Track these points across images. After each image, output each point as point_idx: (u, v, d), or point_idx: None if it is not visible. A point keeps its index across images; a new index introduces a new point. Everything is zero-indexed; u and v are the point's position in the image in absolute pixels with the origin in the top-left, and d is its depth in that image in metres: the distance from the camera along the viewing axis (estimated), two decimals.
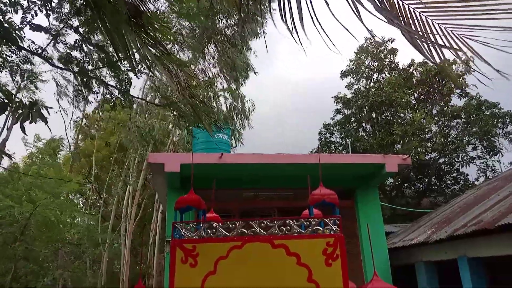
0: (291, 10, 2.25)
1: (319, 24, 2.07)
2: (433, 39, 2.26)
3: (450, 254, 6.78)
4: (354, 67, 22.27)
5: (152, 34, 3.29)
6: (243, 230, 2.65)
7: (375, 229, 7.99)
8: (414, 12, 2.28)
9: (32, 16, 4.29)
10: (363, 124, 21.88)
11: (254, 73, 16.49)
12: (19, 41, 3.93)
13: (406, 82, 20.32)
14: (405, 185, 21.43)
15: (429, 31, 2.27)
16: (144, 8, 3.37)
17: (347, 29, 2.07)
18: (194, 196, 3.02)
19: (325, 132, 22.62)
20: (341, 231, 2.65)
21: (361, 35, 22.50)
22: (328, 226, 2.64)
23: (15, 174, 12.88)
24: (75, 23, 4.32)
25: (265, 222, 2.67)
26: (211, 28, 13.55)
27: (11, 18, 4.32)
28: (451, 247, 6.68)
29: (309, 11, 2.12)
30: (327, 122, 22.71)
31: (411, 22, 2.29)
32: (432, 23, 2.28)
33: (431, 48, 2.25)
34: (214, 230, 2.65)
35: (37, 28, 4.25)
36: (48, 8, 4.31)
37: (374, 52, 21.78)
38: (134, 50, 3.16)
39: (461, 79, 18.83)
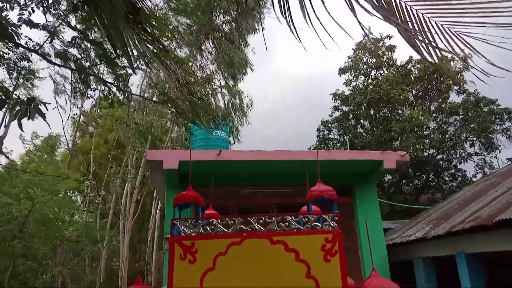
0: (289, 6, 2.25)
1: (318, 20, 2.07)
2: (430, 37, 2.26)
3: (448, 250, 6.81)
4: (352, 64, 22.27)
5: (149, 30, 3.29)
6: (242, 226, 2.65)
7: (373, 225, 8.01)
8: (411, 10, 2.28)
9: (29, 13, 4.27)
10: (361, 121, 21.90)
11: (251, 69, 16.47)
12: (16, 37, 3.91)
13: (404, 78, 20.33)
14: (403, 181, 21.49)
15: (426, 29, 2.27)
16: (142, 5, 3.36)
17: (343, 28, 2.07)
18: (193, 193, 3.01)
19: (323, 129, 22.64)
20: (340, 227, 2.65)
21: (359, 32, 22.46)
22: (326, 222, 2.64)
23: (13, 172, 12.86)
24: (73, 20, 4.30)
25: (263, 218, 2.67)
26: (209, 24, 13.52)
27: (7, 15, 4.30)
28: (449, 243, 6.71)
29: (305, 8, 2.12)
30: (325, 119, 22.74)
31: (408, 20, 2.29)
32: (429, 21, 2.28)
33: (428, 46, 2.26)
34: (212, 227, 2.65)
35: (33, 25, 4.23)
36: (45, 5, 4.30)
37: (372, 49, 21.77)
38: (132, 47, 3.15)
39: (459, 76, 18.85)
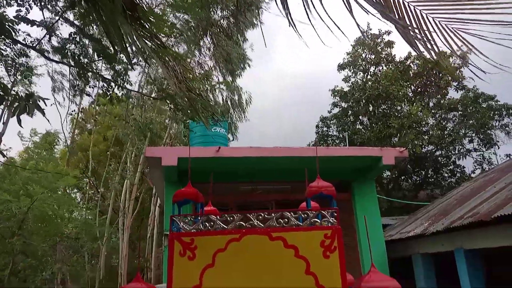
0: (287, 1, 2.24)
1: (319, 14, 2.06)
2: (427, 33, 2.26)
3: (447, 246, 6.83)
4: (351, 60, 22.23)
5: (147, 27, 3.27)
6: (241, 223, 2.65)
7: (372, 221, 8.03)
8: (409, 6, 2.28)
9: (27, 9, 4.25)
10: (360, 117, 21.89)
11: (248, 65, 16.44)
12: (14, 33, 3.90)
13: (403, 75, 20.31)
14: (402, 177, 21.51)
15: (423, 25, 2.26)
16: (139, 1, 3.34)
17: (339, 27, 2.06)
18: (192, 190, 3.01)
19: (322, 125, 22.63)
20: (339, 223, 2.65)
21: (358, 27, 22.39)
22: (325, 218, 2.64)
23: (12, 169, 12.84)
24: (71, 16, 4.28)
25: (262, 214, 2.67)
26: (206, 20, 13.47)
27: (5, 11, 4.27)
28: (447, 239, 6.72)
29: (305, 2, 2.11)
30: (324, 116, 22.72)
31: (406, 16, 2.28)
32: (427, 17, 2.27)
33: (426, 43, 2.25)
34: (212, 223, 2.65)
35: (30, 22, 4.21)
36: (42, 1, 4.27)
37: (371, 45, 21.73)
38: (130, 43, 3.13)
39: (458, 72, 18.84)
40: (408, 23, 2.25)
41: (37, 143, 19.75)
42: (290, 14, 2.23)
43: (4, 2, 4.13)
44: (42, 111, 3.75)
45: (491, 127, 18.97)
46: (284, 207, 2.78)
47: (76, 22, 4.29)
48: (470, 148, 19.93)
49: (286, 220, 2.64)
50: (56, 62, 4.64)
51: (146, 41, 3.32)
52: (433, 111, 20.39)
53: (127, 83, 4.72)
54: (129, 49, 3.38)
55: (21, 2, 4.21)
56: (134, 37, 2.91)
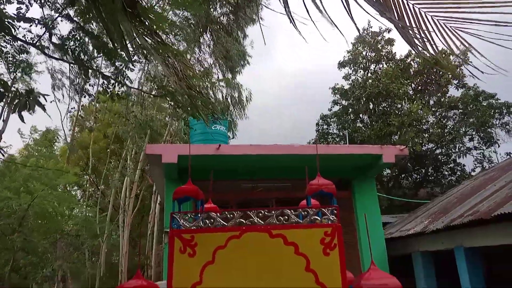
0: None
1: (319, 9, 2.05)
2: (427, 33, 2.25)
3: (447, 244, 6.83)
4: (352, 58, 22.20)
5: (147, 24, 3.26)
6: (241, 220, 2.65)
7: (372, 219, 8.03)
8: (407, 4, 2.27)
9: (27, 6, 4.24)
10: (361, 115, 21.88)
11: (248, 63, 16.42)
12: (13, 30, 3.89)
13: (404, 72, 20.28)
14: (402, 176, 21.52)
15: (422, 24, 2.26)
16: None
17: (337, 27, 2.05)
18: (192, 187, 3.01)
19: (322, 123, 22.62)
20: (339, 221, 2.65)
21: (359, 24, 22.34)
22: (325, 216, 2.64)
23: (13, 166, 12.85)
24: (71, 13, 4.27)
25: (263, 212, 2.67)
26: (206, 17, 13.44)
27: (4, 8, 4.26)
28: (447, 237, 6.73)
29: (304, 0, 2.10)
30: (324, 114, 22.70)
31: (405, 15, 2.27)
32: (425, 15, 2.27)
33: (425, 42, 2.25)
34: (212, 220, 2.65)
35: (30, 21, 4.20)
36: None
37: (372, 42, 21.69)
38: (130, 40, 3.13)
39: (458, 70, 18.80)
40: (407, 21, 2.25)
41: (37, 141, 19.77)
42: (289, 10, 2.23)
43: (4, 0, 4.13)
44: (42, 107, 3.74)
45: (491, 125, 18.96)
46: (285, 205, 2.77)
47: (76, 19, 4.28)
48: (471, 146, 19.94)
49: (286, 217, 2.64)
50: (56, 59, 4.64)
51: (146, 38, 3.32)
52: (433, 109, 20.37)
53: (126, 79, 4.71)
54: (129, 46, 3.37)
55: (21, 0, 4.21)
56: (134, 34, 2.90)
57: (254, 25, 15.12)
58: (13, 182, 12.18)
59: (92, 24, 4.56)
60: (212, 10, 13.96)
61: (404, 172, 21.14)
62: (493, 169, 11.27)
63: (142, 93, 13.77)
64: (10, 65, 4.68)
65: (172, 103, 5.20)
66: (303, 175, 3.11)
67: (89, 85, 5.61)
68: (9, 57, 4.54)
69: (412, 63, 20.83)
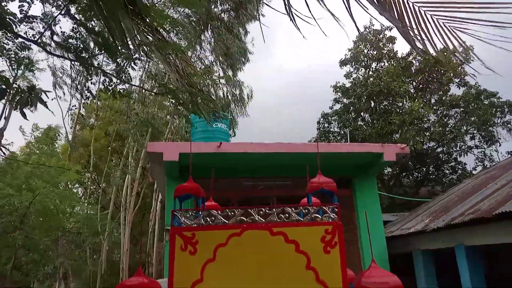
0: None
1: (320, 4, 2.05)
2: (426, 32, 2.25)
3: (448, 243, 6.83)
4: (353, 56, 22.17)
5: (148, 21, 3.26)
6: (242, 217, 2.65)
7: (373, 217, 8.04)
8: (408, 3, 2.27)
9: (28, 3, 4.24)
10: (362, 114, 21.85)
11: (248, 60, 16.40)
12: (14, 26, 3.89)
13: (405, 71, 20.24)
14: (403, 174, 21.50)
15: (422, 23, 2.26)
16: None
17: (339, 23, 2.05)
18: (193, 184, 3.01)
19: (323, 121, 22.60)
20: (340, 219, 2.65)
21: (361, 22, 22.28)
22: (326, 214, 2.64)
23: (14, 164, 12.87)
24: (72, 9, 4.27)
25: (264, 209, 2.67)
26: (207, 14, 13.41)
27: (6, 5, 4.26)
28: (448, 235, 6.73)
29: None
30: (325, 112, 22.68)
31: (405, 14, 2.27)
32: (425, 14, 2.26)
33: (425, 41, 2.25)
34: (213, 218, 2.65)
35: (32, 18, 4.20)
36: None
37: (373, 40, 21.64)
38: (131, 37, 3.12)
39: (460, 68, 18.76)
40: (406, 20, 2.25)
41: (38, 138, 19.81)
42: (290, 5, 2.23)
43: None
44: (44, 104, 3.74)
45: (493, 124, 18.93)
46: (286, 203, 2.78)
47: (76, 16, 4.27)
48: (472, 145, 19.91)
49: (287, 215, 2.64)
50: (58, 56, 4.64)
51: (147, 35, 3.32)
52: (434, 107, 20.34)
53: (128, 77, 4.71)
54: (130, 43, 3.37)
55: None
56: (135, 31, 2.90)
57: (255, 22, 15.11)
58: (15, 179, 12.20)
59: (93, 21, 4.55)
60: (213, 7, 13.94)
61: (405, 171, 21.13)
62: (494, 167, 11.26)
63: (143, 90, 13.78)
64: (12, 62, 4.68)
65: (174, 101, 5.20)
66: (304, 173, 3.11)
67: (91, 83, 5.62)
68: (12, 54, 4.55)
69: (414, 61, 20.78)
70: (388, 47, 21.50)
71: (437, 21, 2.24)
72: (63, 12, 4.00)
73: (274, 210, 2.65)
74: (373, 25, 21.74)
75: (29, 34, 4.35)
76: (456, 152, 20.00)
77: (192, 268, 2.52)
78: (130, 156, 17.11)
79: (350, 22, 2.14)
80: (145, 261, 16.65)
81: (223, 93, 16.38)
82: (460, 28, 2.15)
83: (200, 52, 15.60)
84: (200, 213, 2.71)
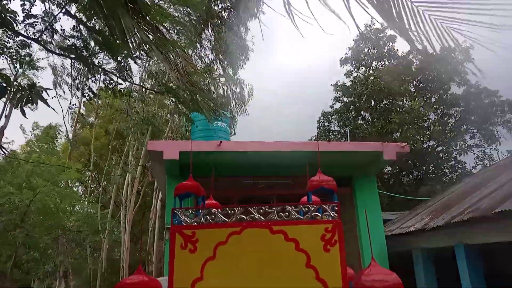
0: None
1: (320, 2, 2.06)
2: (424, 29, 2.25)
3: (447, 241, 6.84)
4: (353, 55, 22.16)
5: (148, 19, 3.26)
6: (242, 216, 2.66)
7: (373, 216, 8.04)
8: (407, 2, 2.27)
9: (30, 2, 4.25)
10: (362, 112, 21.85)
11: (247, 59, 16.39)
12: (15, 24, 3.89)
13: (405, 69, 20.23)
14: (403, 173, 21.50)
15: (420, 23, 2.26)
16: None
17: (341, 20, 2.06)
18: (194, 183, 3.02)
19: (323, 120, 22.59)
20: (339, 217, 2.66)
21: (361, 21, 22.25)
22: (326, 212, 2.65)
23: (14, 162, 12.88)
24: (73, 8, 4.27)
25: (263, 208, 2.68)
26: (207, 12, 13.39)
27: (7, 4, 4.26)
28: (448, 234, 6.73)
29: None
30: (325, 111, 22.68)
31: (403, 13, 2.28)
32: (423, 14, 2.27)
33: (423, 41, 2.25)
34: (213, 216, 2.66)
35: (33, 17, 4.20)
36: None
37: (374, 39, 21.62)
38: (132, 35, 3.12)
39: (460, 67, 18.75)
40: (405, 19, 2.25)
41: (39, 136, 19.82)
42: (289, 3, 2.23)
43: None
44: (45, 101, 3.74)
45: (493, 123, 18.92)
46: (286, 202, 2.78)
47: (77, 14, 4.28)
48: (472, 144, 19.91)
49: (287, 213, 2.64)
50: (58, 54, 4.64)
51: (147, 34, 3.32)
52: (434, 106, 20.32)
53: (128, 76, 4.72)
54: (130, 41, 3.37)
55: None
56: (135, 29, 2.90)
57: (255, 20, 15.07)
58: (15, 177, 12.21)
59: (94, 20, 4.55)
60: (213, 4, 13.92)
61: (405, 170, 21.13)
62: (494, 166, 11.26)
63: (144, 89, 13.78)
64: (14, 59, 4.68)
65: (174, 100, 5.21)
66: (304, 171, 3.12)
67: (92, 81, 5.62)
68: (13, 52, 4.55)
69: (414, 60, 20.77)
70: (389, 45, 21.49)
71: (435, 21, 2.25)
72: (63, 11, 4.00)
73: (274, 208, 2.66)
74: (373, 24, 21.74)
75: (29, 33, 4.35)
76: (456, 151, 20.00)
77: (192, 266, 2.53)
78: (131, 155, 17.12)
79: (350, 22, 2.15)
80: (145, 259, 16.67)
81: (223, 91, 16.37)
82: (457, 28, 2.16)
83: (200, 51, 15.61)
84: (200, 211, 2.71)
